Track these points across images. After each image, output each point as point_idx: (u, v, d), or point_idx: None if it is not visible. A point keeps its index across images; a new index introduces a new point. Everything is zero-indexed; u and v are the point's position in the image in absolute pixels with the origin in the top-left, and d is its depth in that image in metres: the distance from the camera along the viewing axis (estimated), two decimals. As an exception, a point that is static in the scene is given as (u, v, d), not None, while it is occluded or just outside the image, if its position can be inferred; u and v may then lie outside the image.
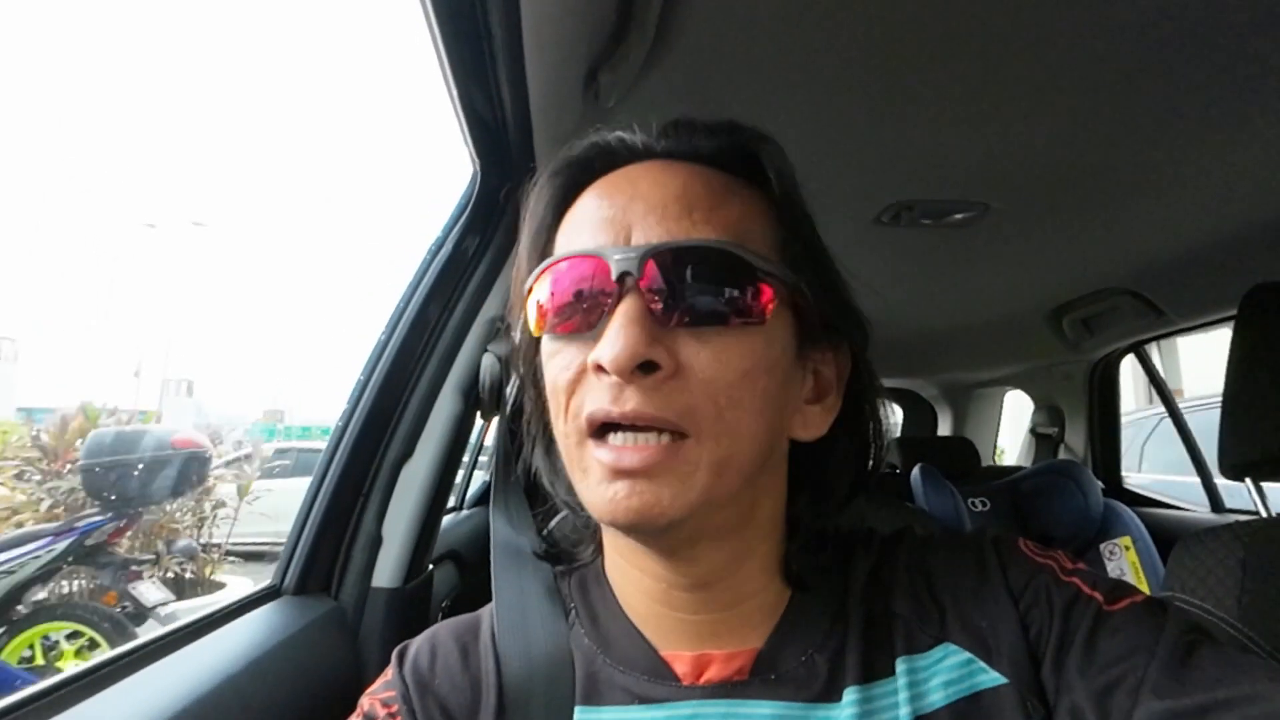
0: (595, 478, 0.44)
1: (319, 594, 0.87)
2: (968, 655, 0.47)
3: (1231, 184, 1.09)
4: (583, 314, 0.46)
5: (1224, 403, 0.86)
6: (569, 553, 0.58)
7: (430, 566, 1.07)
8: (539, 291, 0.48)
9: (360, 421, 0.91)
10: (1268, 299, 0.84)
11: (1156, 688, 0.40)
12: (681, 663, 0.49)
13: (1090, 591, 0.47)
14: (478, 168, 0.97)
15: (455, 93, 0.83)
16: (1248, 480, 1.00)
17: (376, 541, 0.91)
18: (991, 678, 0.46)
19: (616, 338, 0.42)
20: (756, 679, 0.48)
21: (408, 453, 0.95)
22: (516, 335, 0.55)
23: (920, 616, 0.50)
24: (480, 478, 2.18)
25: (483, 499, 1.95)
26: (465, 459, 2.04)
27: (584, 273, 0.46)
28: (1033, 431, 2.63)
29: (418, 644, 0.54)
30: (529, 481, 0.61)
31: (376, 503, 0.92)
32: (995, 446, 3.08)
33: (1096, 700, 0.42)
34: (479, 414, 1.05)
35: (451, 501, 2.00)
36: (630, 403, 0.43)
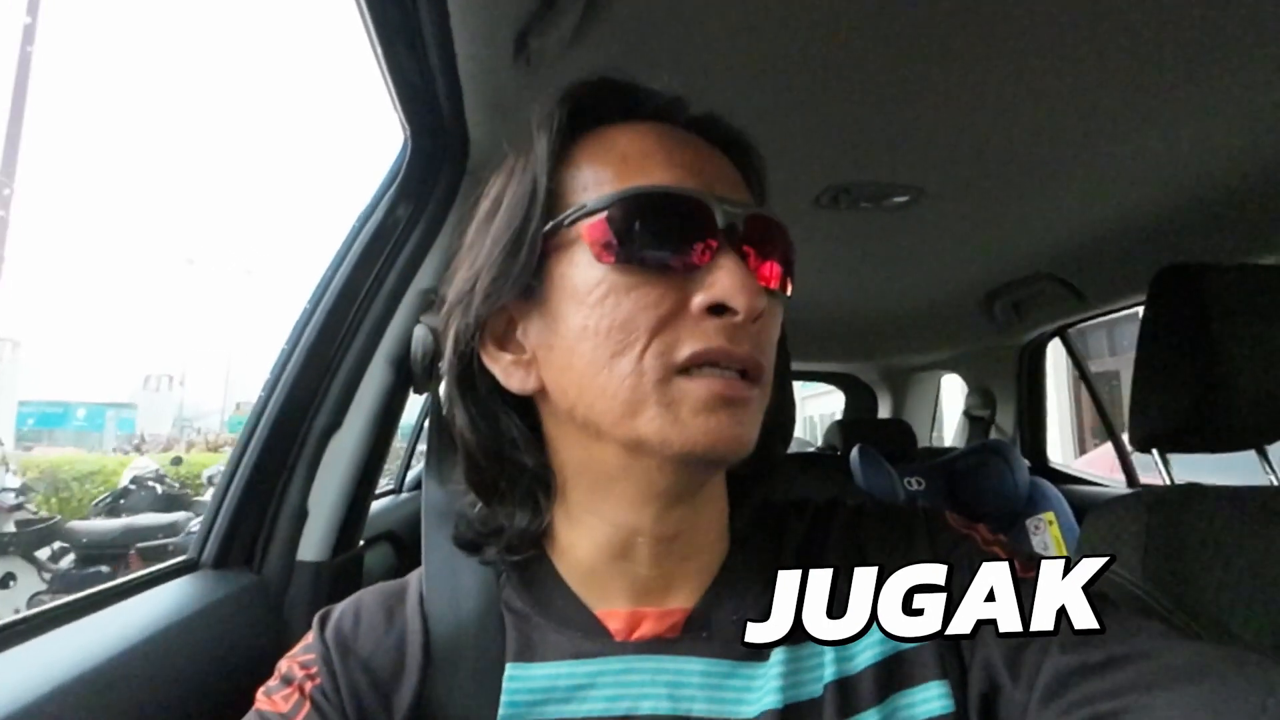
0: (691, 408, 0.43)
1: (239, 567, 0.84)
2: None
3: (1138, 170, 1.15)
4: (681, 252, 0.45)
5: (1134, 380, 0.91)
6: (521, 531, 0.52)
7: (361, 543, 1.05)
8: (622, 217, 0.45)
9: (285, 392, 0.88)
10: (1173, 281, 0.88)
11: (1064, 644, 0.43)
12: (615, 620, 0.50)
13: (1008, 559, 0.49)
14: (408, 134, 0.94)
15: (382, 56, 0.80)
16: (1154, 451, 1.06)
17: (302, 515, 0.89)
18: None
19: (746, 284, 0.44)
20: (688, 636, 0.49)
21: (335, 424, 0.92)
22: (473, 281, 0.49)
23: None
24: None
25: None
26: (405, 441, 2.01)
27: (683, 210, 0.45)
28: (966, 414, 2.72)
29: (341, 608, 0.53)
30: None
31: (302, 475, 0.89)
32: (932, 428, 3.18)
33: (1008, 654, 0.45)
34: (412, 388, 1.03)
35: (391, 485, 1.96)
36: (745, 345, 0.45)
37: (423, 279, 1.00)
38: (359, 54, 0.83)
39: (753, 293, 0.43)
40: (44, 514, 4.89)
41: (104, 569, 4.31)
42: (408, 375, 1.01)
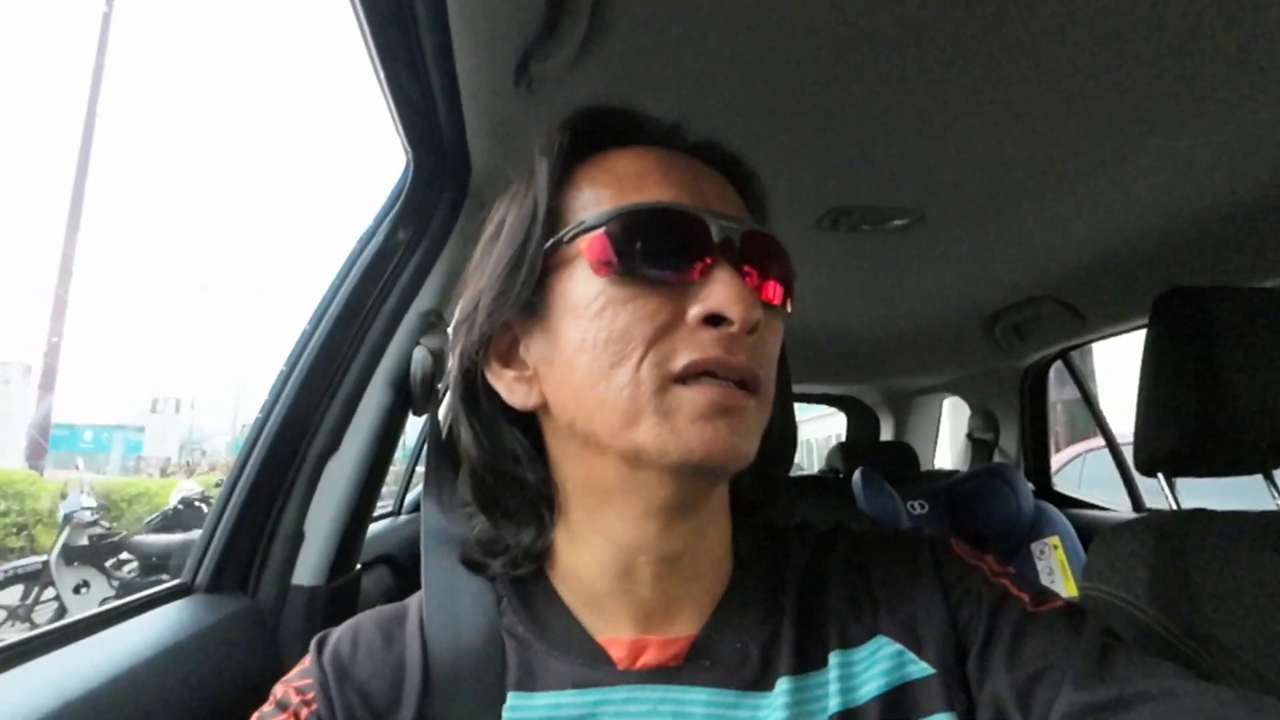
0: (688, 417, 0.44)
1: (234, 592, 0.83)
2: (899, 647, 0.48)
3: (1140, 193, 1.15)
4: (677, 265, 0.46)
5: (1138, 404, 0.90)
6: (525, 548, 0.52)
7: (359, 566, 1.03)
8: (620, 232, 0.46)
9: (282, 414, 0.87)
10: (1175, 304, 0.88)
11: (1076, 681, 0.42)
12: (618, 647, 0.49)
13: (1018, 593, 0.49)
14: (410, 157, 0.95)
15: (384, 79, 0.81)
16: (1160, 476, 1.05)
17: (298, 538, 0.88)
18: (920, 669, 0.47)
19: (741, 295, 0.44)
20: (691, 665, 0.48)
21: (333, 446, 0.92)
22: (477, 300, 0.51)
23: (855, 610, 0.51)
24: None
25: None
26: (405, 464, 2.00)
27: (679, 225, 0.46)
28: (969, 436, 2.70)
29: (339, 632, 0.53)
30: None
31: (298, 498, 0.89)
32: (934, 450, 3.16)
33: (1018, 691, 0.44)
34: (410, 410, 1.03)
35: (390, 507, 1.95)
36: (742, 355, 0.45)
37: (423, 301, 1.00)
38: (361, 75, 0.84)
39: (748, 303, 0.44)
40: (113, 530, 5.38)
41: (164, 577, 4.61)
42: (407, 397, 1.00)
